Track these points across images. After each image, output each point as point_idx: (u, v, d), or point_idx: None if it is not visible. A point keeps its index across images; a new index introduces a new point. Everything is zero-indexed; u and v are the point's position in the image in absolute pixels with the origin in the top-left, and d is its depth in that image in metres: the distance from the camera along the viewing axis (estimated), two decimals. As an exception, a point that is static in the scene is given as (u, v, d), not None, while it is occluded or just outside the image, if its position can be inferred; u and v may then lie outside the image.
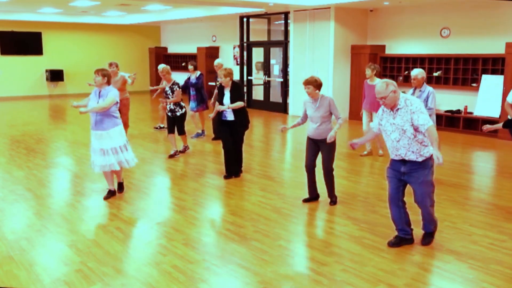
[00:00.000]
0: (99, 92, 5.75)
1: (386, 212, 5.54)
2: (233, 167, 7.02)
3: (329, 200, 5.83)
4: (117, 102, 5.78)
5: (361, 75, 12.10)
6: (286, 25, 14.15)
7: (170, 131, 8.31)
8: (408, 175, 4.38)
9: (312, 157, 5.74)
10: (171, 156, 8.29)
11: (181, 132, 8.38)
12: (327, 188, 5.82)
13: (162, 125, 11.09)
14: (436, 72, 11.53)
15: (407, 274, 4.04)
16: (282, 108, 14.65)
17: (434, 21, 11.67)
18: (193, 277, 4.00)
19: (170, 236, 4.86)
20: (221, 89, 6.86)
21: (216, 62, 9.83)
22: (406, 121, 4.22)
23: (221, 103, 6.77)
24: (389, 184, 4.55)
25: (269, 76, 15.10)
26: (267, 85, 15.19)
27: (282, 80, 14.78)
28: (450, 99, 11.28)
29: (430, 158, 4.32)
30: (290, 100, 14.25)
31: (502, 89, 10.06)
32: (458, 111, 11.04)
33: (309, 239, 4.86)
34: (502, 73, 10.20)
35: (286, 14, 14.02)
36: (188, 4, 14.44)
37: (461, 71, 11.06)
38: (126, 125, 9.52)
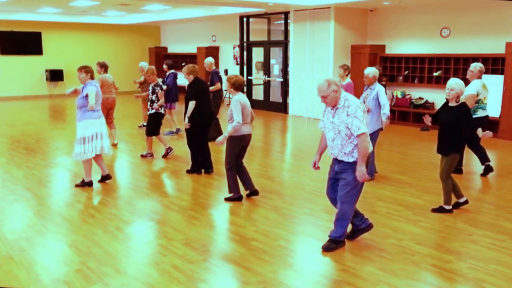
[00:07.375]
0: (82, 88, 6.33)
1: (386, 212, 5.55)
2: (201, 163, 7.24)
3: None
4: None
5: (361, 75, 12.01)
6: (286, 25, 14.15)
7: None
8: (339, 174, 4.38)
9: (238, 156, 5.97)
10: (165, 156, 8.32)
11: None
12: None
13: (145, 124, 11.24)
14: (436, 72, 11.54)
15: (407, 274, 4.04)
16: (282, 108, 14.66)
17: (434, 21, 11.67)
18: (193, 277, 4.00)
19: (170, 236, 4.86)
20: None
21: (206, 60, 9.63)
22: (342, 121, 4.20)
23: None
24: (327, 182, 4.59)
25: (269, 76, 15.11)
26: (267, 85, 15.20)
27: (282, 80, 14.80)
28: (450, 99, 11.28)
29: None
30: (290, 100, 14.25)
31: (502, 89, 10.07)
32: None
33: (308, 239, 4.86)
34: (502, 73, 10.21)
35: (286, 14, 14.03)
36: (188, 4, 14.45)
37: (461, 71, 11.05)
38: (113, 125, 9.56)
